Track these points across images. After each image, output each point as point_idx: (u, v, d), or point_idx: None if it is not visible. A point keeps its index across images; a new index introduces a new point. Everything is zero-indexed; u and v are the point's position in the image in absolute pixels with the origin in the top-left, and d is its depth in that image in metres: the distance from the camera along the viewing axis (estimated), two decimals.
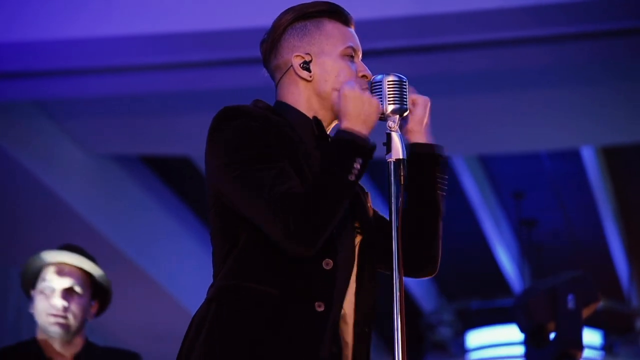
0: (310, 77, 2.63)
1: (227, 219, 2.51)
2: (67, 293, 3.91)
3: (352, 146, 2.45)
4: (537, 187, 9.78)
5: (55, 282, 3.92)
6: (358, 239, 2.59)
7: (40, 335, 3.94)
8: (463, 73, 6.83)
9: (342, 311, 2.54)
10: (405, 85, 2.58)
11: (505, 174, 9.65)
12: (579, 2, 5.82)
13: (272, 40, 2.68)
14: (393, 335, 2.45)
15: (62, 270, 3.94)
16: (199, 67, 6.55)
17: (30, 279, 3.98)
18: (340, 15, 2.69)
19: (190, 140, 7.72)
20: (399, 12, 5.95)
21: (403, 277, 2.48)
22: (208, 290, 2.53)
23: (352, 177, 2.44)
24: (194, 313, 2.55)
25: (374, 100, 2.52)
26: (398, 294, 2.47)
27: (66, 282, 3.92)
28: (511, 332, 9.98)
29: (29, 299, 3.99)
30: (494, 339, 11.08)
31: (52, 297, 3.90)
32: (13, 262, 8.28)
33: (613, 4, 5.83)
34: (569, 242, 10.88)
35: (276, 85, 2.70)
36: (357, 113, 2.49)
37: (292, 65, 2.64)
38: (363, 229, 2.60)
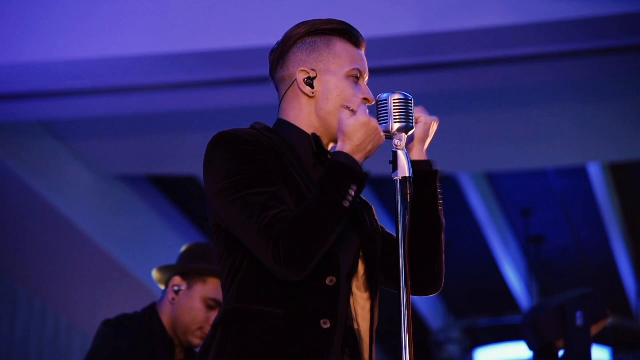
0: (313, 93, 2.63)
1: (229, 243, 2.51)
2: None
3: (350, 172, 2.45)
4: (544, 204, 9.77)
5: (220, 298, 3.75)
6: (361, 254, 2.59)
7: (167, 324, 3.77)
8: (469, 90, 6.83)
9: (357, 327, 2.54)
10: (411, 103, 2.58)
11: (513, 191, 9.64)
12: (587, 19, 5.83)
13: (280, 52, 2.68)
14: (401, 353, 2.45)
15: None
16: (205, 87, 6.57)
17: (198, 272, 3.80)
18: (351, 37, 2.69)
19: (197, 159, 7.68)
20: (404, 30, 5.95)
21: (411, 295, 2.47)
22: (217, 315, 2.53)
23: (346, 204, 2.43)
24: None
25: (381, 132, 2.51)
26: (405, 311, 2.46)
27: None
28: (519, 350, 9.95)
29: (169, 280, 3.80)
30: (502, 356, 11.05)
31: (214, 312, 3.75)
32: (22, 283, 8.29)
33: (620, 21, 5.83)
34: (577, 258, 10.86)
35: (280, 98, 2.70)
36: (364, 142, 2.48)
37: (296, 80, 2.65)
38: (367, 245, 2.59)
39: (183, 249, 3.93)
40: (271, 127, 2.65)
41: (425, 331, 11.54)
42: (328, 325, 2.44)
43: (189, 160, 7.73)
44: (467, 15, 5.89)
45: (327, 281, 2.47)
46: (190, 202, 9.14)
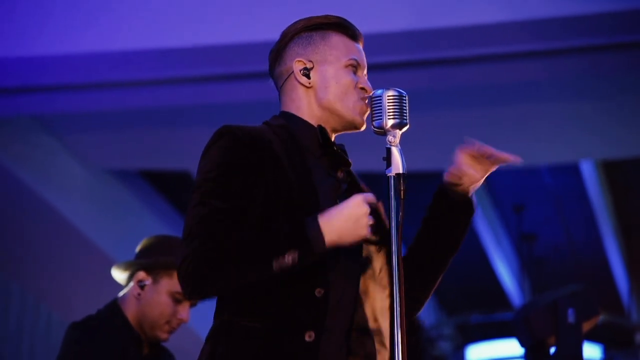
0: (310, 83, 2.63)
1: None
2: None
3: (304, 242, 2.38)
4: (537, 201, 9.78)
5: None
6: (382, 254, 2.58)
7: (133, 320, 3.71)
8: (462, 87, 6.84)
9: (375, 326, 2.52)
10: (405, 100, 2.58)
11: (505, 188, 9.65)
12: (579, 16, 5.83)
13: (278, 49, 2.69)
14: (393, 350, 2.45)
15: None
16: (198, 82, 6.56)
17: (163, 266, 3.74)
18: (348, 30, 2.70)
19: (189, 154, 7.69)
20: (398, 26, 5.96)
21: (403, 292, 2.47)
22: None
23: (276, 267, 2.36)
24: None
25: (366, 231, 2.42)
26: (398, 308, 2.46)
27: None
28: (511, 347, 9.97)
29: (135, 275, 3.75)
30: (494, 353, 11.07)
31: (181, 306, 3.72)
32: (14, 277, 8.28)
33: (613, 18, 5.84)
34: (569, 256, 10.88)
35: (279, 94, 2.70)
36: (342, 228, 2.40)
37: (293, 71, 2.65)
38: (385, 242, 2.58)
39: (143, 243, 3.86)
40: (283, 121, 2.64)
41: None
42: (312, 338, 2.40)
43: (181, 155, 7.73)
44: (460, 13, 5.90)
45: (316, 292, 2.43)
46: (182, 197, 9.13)
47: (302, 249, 2.36)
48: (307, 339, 2.40)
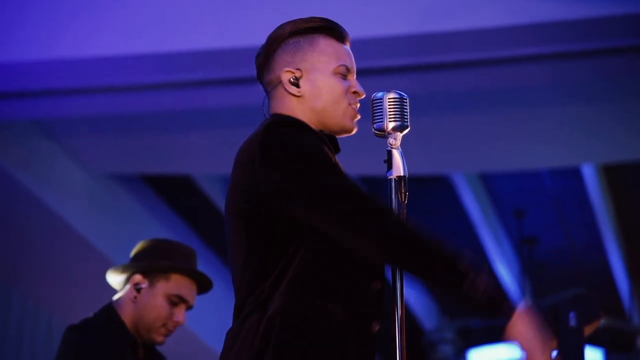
0: (299, 92, 2.62)
1: (275, 233, 2.46)
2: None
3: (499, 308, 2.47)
4: (538, 205, 9.77)
5: (190, 297, 3.74)
6: None
7: (129, 323, 3.70)
8: (463, 91, 6.83)
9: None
10: (406, 102, 2.59)
11: (507, 192, 9.64)
12: (580, 20, 5.83)
13: (265, 55, 2.68)
14: (394, 354, 2.45)
15: (199, 287, 3.79)
16: (200, 86, 6.56)
17: (160, 269, 3.72)
18: (335, 32, 2.68)
19: (191, 159, 7.72)
20: (399, 30, 5.95)
21: (404, 296, 2.47)
22: (251, 307, 2.46)
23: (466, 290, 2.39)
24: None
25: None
26: (399, 312, 2.47)
27: (193, 301, 3.78)
28: (513, 351, 9.95)
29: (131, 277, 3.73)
30: (495, 357, 11.04)
31: (178, 309, 3.72)
32: (15, 282, 8.27)
33: (614, 21, 5.84)
34: (570, 260, 10.87)
35: (269, 98, 2.68)
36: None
37: (282, 81, 2.64)
38: None
39: (139, 246, 3.86)
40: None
41: (418, 332, 11.54)
42: (376, 330, 2.47)
43: (182, 159, 7.73)
44: (462, 16, 5.89)
45: (374, 285, 2.48)
46: (183, 201, 9.12)
47: (495, 309, 2.47)
48: (373, 329, 2.45)
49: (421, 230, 2.39)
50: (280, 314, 2.40)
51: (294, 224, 2.44)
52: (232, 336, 2.48)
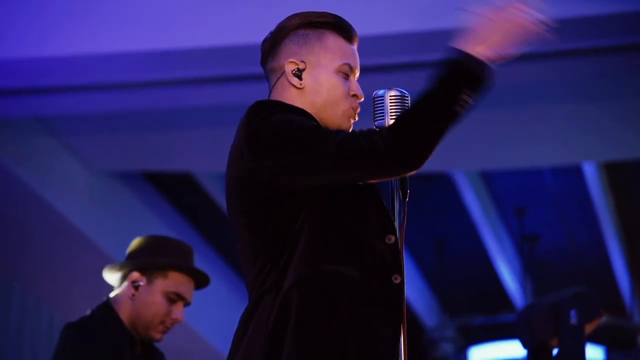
0: (301, 85, 2.62)
1: (279, 211, 2.45)
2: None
3: (465, 75, 2.58)
4: (539, 203, 9.77)
5: (188, 294, 3.74)
6: None
7: (127, 321, 3.69)
8: None
9: None
10: (407, 100, 2.58)
11: (508, 190, 9.64)
12: (581, 18, 5.82)
13: (272, 42, 2.68)
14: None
15: (196, 283, 3.79)
16: (200, 84, 6.56)
17: (158, 267, 3.72)
18: (344, 31, 2.68)
19: (192, 156, 7.72)
20: (400, 28, 5.95)
21: (405, 292, 2.47)
22: (264, 290, 2.44)
23: (458, 108, 2.46)
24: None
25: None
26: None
27: (190, 298, 3.78)
28: (513, 348, 9.96)
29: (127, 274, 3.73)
30: (496, 355, 11.06)
31: (175, 306, 3.73)
32: (15, 278, 8.28)
33: (615, 20, 5.83)
34: (571, 258, 10.87)
35: (270, 88, 2.68)
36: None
37: (284, 71, 2.64)
38: None
39: (135, 243, 3.85)
40: None
41: (419, 330, 11.54)
42: (398, 281, 2.44)
43: (183, 156, 7.72)
44: (464, 14, 5.88)
45: (387, 239, 2.46)
46: (184, 198, 9.12)
47: (470, 82, 2.58)
48: (394, 281, 2.43)
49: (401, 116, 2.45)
50: (296, 286, 2.39)
51: (296, 200, 2.44)
52: (245, 318, 2.46)
